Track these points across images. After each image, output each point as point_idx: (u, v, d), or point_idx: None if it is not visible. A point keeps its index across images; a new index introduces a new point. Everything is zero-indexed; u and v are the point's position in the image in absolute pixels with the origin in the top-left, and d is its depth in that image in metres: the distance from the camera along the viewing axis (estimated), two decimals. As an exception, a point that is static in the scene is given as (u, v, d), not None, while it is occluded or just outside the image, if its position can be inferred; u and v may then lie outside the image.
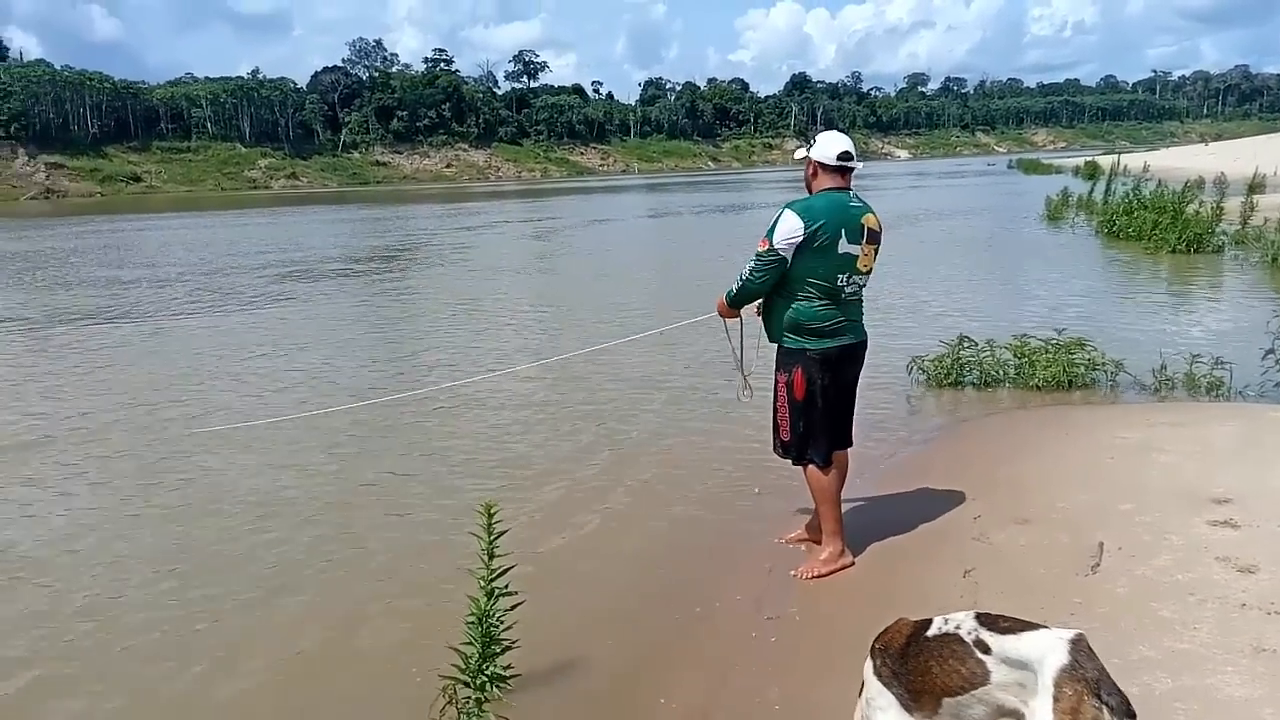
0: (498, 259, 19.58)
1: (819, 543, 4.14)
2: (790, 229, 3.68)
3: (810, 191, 3.91)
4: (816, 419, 3.91)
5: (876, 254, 3.86)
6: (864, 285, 3.88)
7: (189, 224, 36.20)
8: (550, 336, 10.35)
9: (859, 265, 3.80)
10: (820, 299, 3.78)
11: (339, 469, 5.85)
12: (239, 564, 4.43)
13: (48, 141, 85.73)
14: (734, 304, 4.04)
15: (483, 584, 2.97)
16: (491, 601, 2.97)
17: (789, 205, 3.76)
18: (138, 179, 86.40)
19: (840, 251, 3.72)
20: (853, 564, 4.03)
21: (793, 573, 4.03)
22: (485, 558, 2.95)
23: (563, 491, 5.25)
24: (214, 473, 5.80)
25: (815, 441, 3.95)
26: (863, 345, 3.99)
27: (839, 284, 3.77)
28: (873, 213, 3.85)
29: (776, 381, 3.97)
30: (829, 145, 3.85)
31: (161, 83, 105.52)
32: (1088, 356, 7.17)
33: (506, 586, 2.96)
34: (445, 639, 2.99)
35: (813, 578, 3.96)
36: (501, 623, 2.87)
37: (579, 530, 4.68)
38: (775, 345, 4.00)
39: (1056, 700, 1.90)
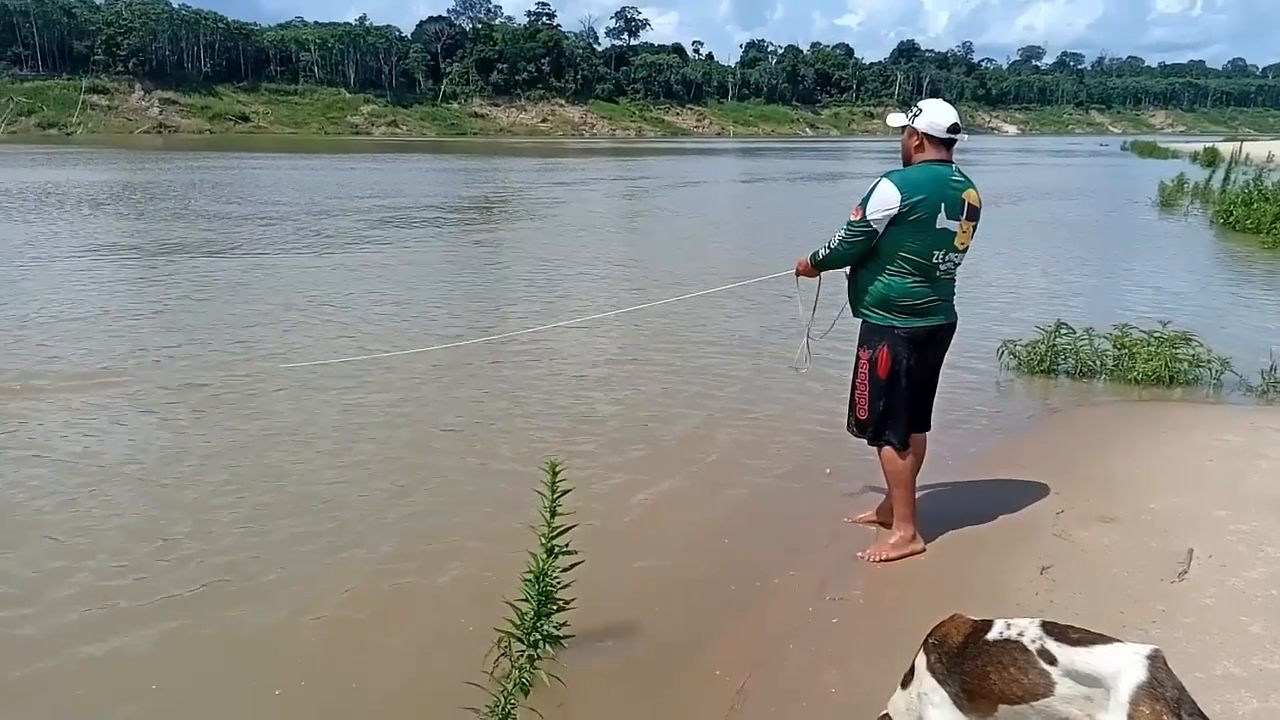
0: (589, 216, 19.54)
1: (889, 526, 4.03)
2: (885, 200, 3.53)
3: (907, 160, 3.74)
4: (898, 399, 3.78)
5: (974, 231, 3.70)
6: (959, 263, 3.72)
7: (297, 165, 37.15)
8: (634, 292, 10.31)
9: (956, 242, 3.64)
10: (913, 275, 3.64)
11: (419, 411, 5.95)
12: (314, 503, 4.52)
13: (162, 78, 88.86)
14: (818, 267, 3.91)
15: (543, 541, 2.97)
16: (550, 560, 2.97)
17: (887, 175, 3.61)
18: (246, 119, 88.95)
19: (938, 227, 3.57)
20: (923, 551, 3.90)
21: (859, 554, 3.93)
22: (547, 515, 2.95)
23: (634, 453, 5.23)
24: (302, 409, 5.94)
25: (894, 422, 3.82)
26: (952, 327, 3.84)
27: (934, 260, 3.63)
28: (974, 188, 3.69)
29: (858, 357, 3.83)
30: (939, 115, 3.67)
31: (272, 25, 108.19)
32: (1192, 352, 6.79)
33: (567, 545, 2.96)
34: (505, 592, 3.00)
35: (880, 561, 3.86)
36: (559, 582, 2.87)
37: (644, 494, 4.64)
38: (858, 320, 3.86)
39: (1132, 718, 1.79)
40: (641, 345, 7.76)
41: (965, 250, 3.71)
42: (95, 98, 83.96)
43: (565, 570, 2.97)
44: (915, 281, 3.64)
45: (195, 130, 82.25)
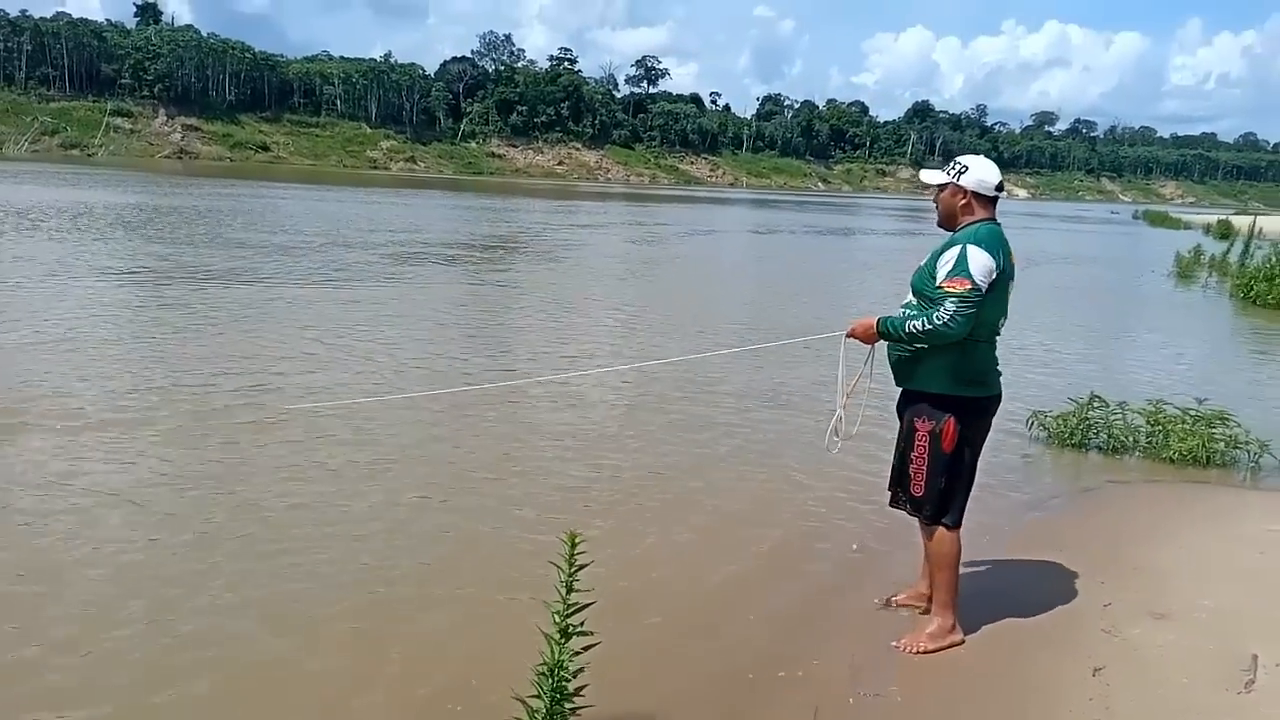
0: (605, 261, 19.42)
1: (926, 611, 3.74)
2: (986, 264, 3.28)
3: (955, 221, 3.49)
4: (962, 475, 3.54)
5: None
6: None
7: (317, 196, 37.34)
8: (651, 341, 10.10)
9: (1009, 306, 3.48)
10: (984, 342, 3.45)
11: (426, 460, 5.68)
12: (319, 554, 4.25)
13: (186, 104, 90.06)
14: (890, 337, 3.47)
15: (557, 619, 2.70)
16: (564, 642, 2.70)
17: (968, 241, 3.33)
18: (266, 148, 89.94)
19: (1007, 291, 3.43)
20: (962, 643, 3.61)
21: (894, 644, 3.63)
22: (563, 591, 2.69)
23: (648, 518, 4.92)
24: (300, 453, 5.68)
25: (955, 500, 3.56)
26: (1000, 397, 3.62)
27: (999, 327, 3.47)
28: (1011, 248, 3.52)
29: (913, 429, 3.53)
30: (987, 173, 3.47)
31: (298, 57, 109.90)
32: (1229, 432, 6.53)
33: (582, 624, 2.70)
34: (507, 661, 2.72)
35: (918, 652, 3.56)
36: (572, 675, 2.59)
37: (659, 567, 4.33)
38: (913, 390, 3.56)
39: None
40: (660, 399, 7.49)
41: None
42: (119, 120, 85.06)
43: (579, 653, 2.71)
44: (985, 349, 3.46)
45: (215, 157, 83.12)
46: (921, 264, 3.55)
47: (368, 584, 3.98)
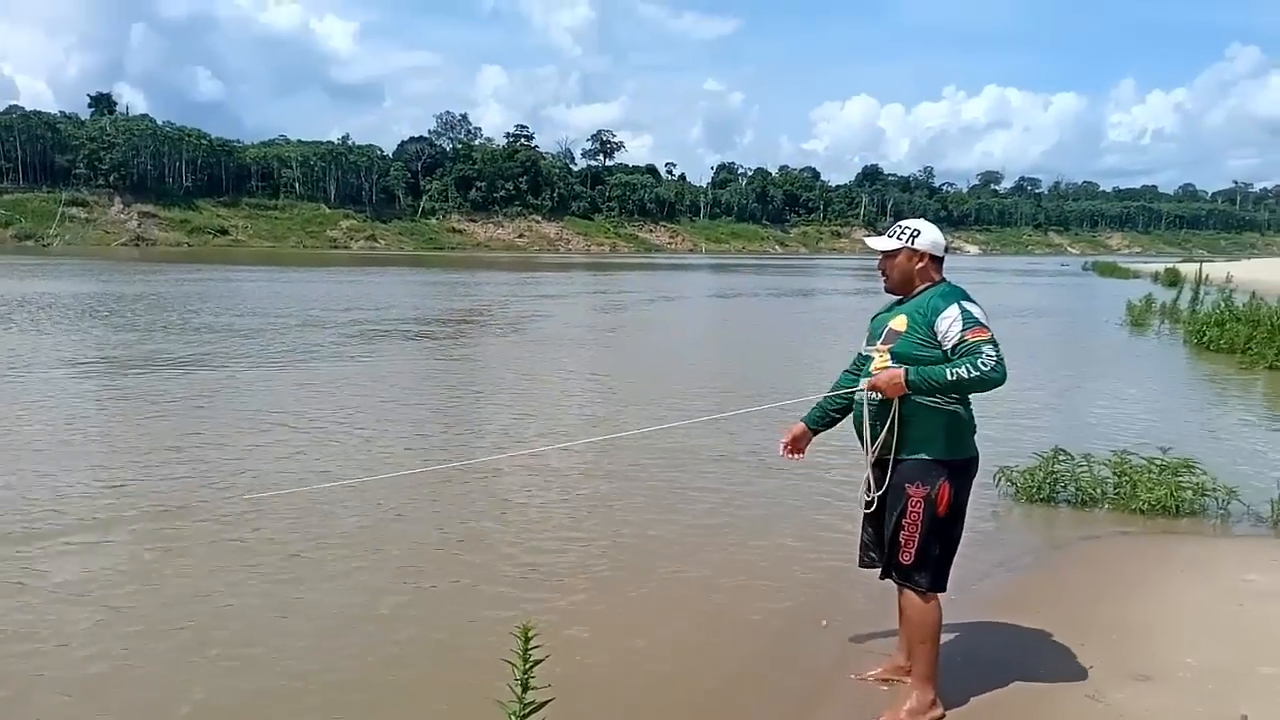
0: (568, 330, 19.34)
1: (905, 681, 3.57)
2: (986, 319, 3.30)
3: (911, 285, 3.48)
4: (954, 540, 3.46)
5: None
6: None
7: (281, 277, 37.10)
8: (615, 412, 9.97)
9: None
10: (966, 403, 3.42)
11: (383, 546, 5.46)
12: (266, 662, 4.02)
13: (143, 191, 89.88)
14: (935, 390, 3.29)
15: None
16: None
17: (958, 298, 3.34)
18: (225, 232, 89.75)
19: None
20: (943, 717, 3.45)
21: (877, 721, 3.48)
22: (518, 690, 2.52)
23: (607, 603, 4.70)
24: (252, 541, 5.44)
25: (948, 565, 3.46)
26: None
27: None
28: None
29: (907, 495, 3.38)
30: (936, 235, 3.52)
31: (255, 143, 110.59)
32: (1196, 480, 6.50)
33: (543, 722, 2.53)
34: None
35: (898, 730, 3.41)
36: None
37: (618, 654, 4.11)
38: (904, 457, 3.42)
39: None
40: (623, 472, 7.32)
41: None
42: (74, 210, 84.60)
43: (538, 755, 2.52)
44: (968, 408, 3.44)
45: (173, 243, 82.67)
46: (871, 331, 3.54)
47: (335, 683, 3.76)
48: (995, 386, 3.24)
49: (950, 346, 3.27)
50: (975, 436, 3.50)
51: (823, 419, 3.78)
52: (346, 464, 7.41)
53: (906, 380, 3.31)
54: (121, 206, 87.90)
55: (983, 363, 3.19)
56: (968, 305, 3.30)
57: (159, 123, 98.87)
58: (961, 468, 3.40)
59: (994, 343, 3.23)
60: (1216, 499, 6.43)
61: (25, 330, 16.20)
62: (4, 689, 3.66)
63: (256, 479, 6.86)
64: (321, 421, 8.97)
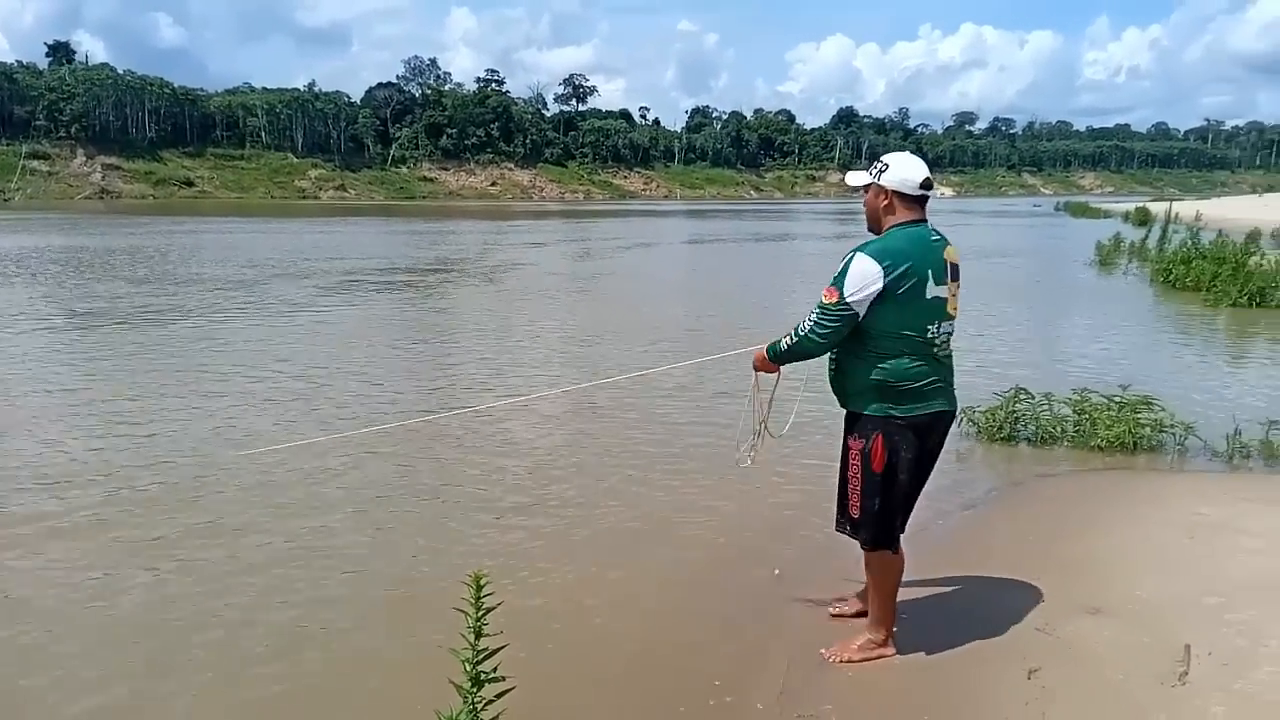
0: (541, 279, 19.18)
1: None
2: (864, 276, 3.10)
3: (879, 223, 3.32)
4: (895, 496, 3.35)
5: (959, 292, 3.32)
6: (952, 333, 3.32)
7: (247, 228, 36.50)
8: (586, 362, 9.96)
9: (948, 309, 3.25)
10: (910, 355, 3.19)
11: (345, 502, 5.47)
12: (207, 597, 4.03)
13: (106, 143, 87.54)
14: (779, 359, 3.46)
15: (468, 668, 2.55)
16: (477, 690, 2.55)
17: (861, 249, 3.18)
18: (190, 184, 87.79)
19: (929, 296, 3.17)
20: (894, 654, 3.51)
21: (823, 651, 3.54)
22: (471, 637, 2.53)
23: (565, 549, 4.73)
24: (254, 498, 5.44)
25: (892, 522, 3.40)
26: (953, 415, 3.41)
27: (929, 335, 3.21)
28: (952, 245, 3.32)
29: (847, 448, 3.39)
30: (909, 170, 3.27)
31: (220, 91, 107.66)
32: (1154, 417, 6.61)
33: (495, 670, 2.55)
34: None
35: (844, 661, 3.47)
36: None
37: (580, 597, 4.16)
38: (850, 410, 3.42)
39: None
40: (586, 421, 7.35)
41: (955, 317, 3.31)
42: (35, 163, 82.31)
43: (494, 700, 2.55)
44: (913, 362, 3.20)
45: (138, 196, 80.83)
46: None
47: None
48: (813, 356, 3.26)
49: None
50: (947, 391, 3.34)
51: None
52: (337, 413, 7.38)
53: (768, 355, 3.46)
54: (84, 159, 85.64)
55: (801, 328, 3.24)
56: (858, 260, 3.14)
57: (120, 72, 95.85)
58: (905, 424, 3.25)
59: (824, 309, 3.15)
60: (1174, 435, 6.55)
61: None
62: None
63: (238, 436, 6.81)
64: (299, 377, 8.91)
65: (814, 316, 3.20)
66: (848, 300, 3.12)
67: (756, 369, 3.65)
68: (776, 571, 4.43)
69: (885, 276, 3.10)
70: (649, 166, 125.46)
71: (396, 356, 10.33)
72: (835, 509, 3.56)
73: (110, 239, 29.25)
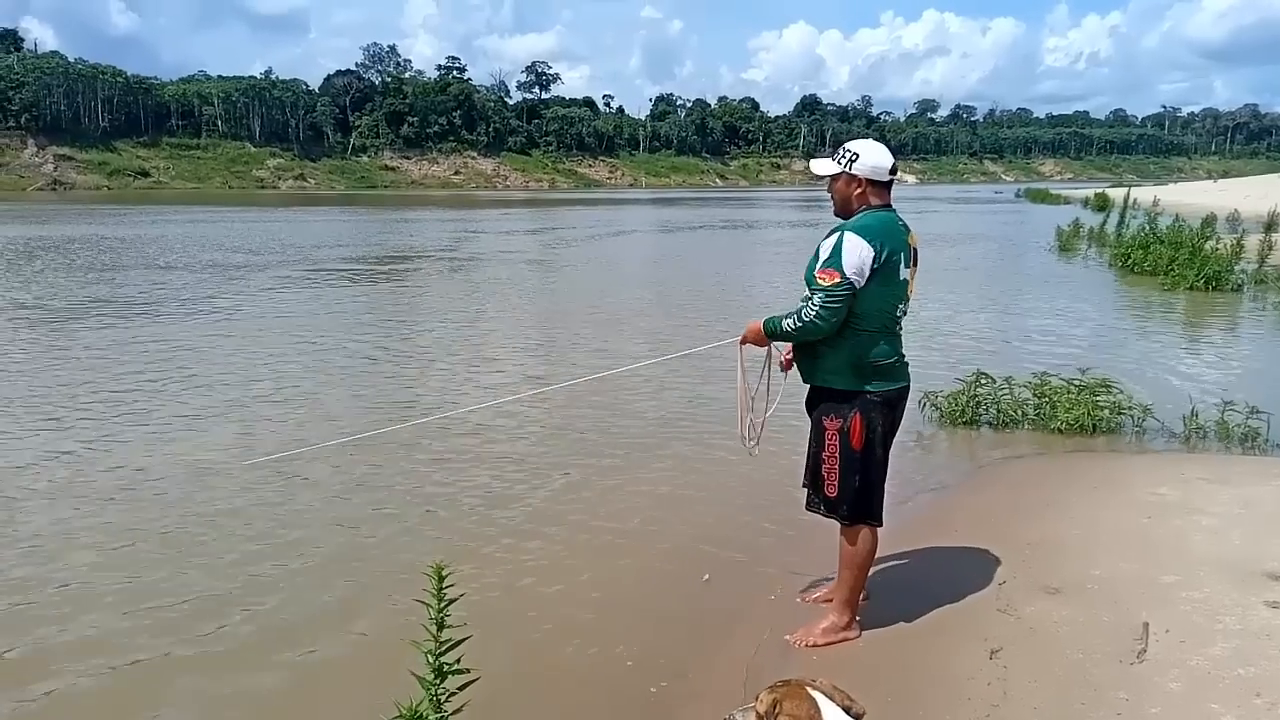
0: (506, 270, 19.03)
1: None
2: (859, 254, 3.18)
3: (847, 209, 3.39)
4: (874, 471, 3.42)
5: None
6: (906, 314, 3.45)
7: (203, 218, 35.88)
8: (552, 358, 9.92)
9: (909, 291, 3.40)
10: (883, 334, 3.32)
11: (308, 512, 5.39)
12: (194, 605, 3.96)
13: (57, 133, 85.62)
14: (776, 338, 3.49)
15: (430, 659, 2.52)
16: (440, 682, 2.52)
17: (847, 228, 3.26)
18: (145, 174, 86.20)
19: (900, 278, 3.31)
20: (859, 637, 3.54)
21: (788, 637, 3.56)
22: (433, 629, 2.50)
23: (526, 545, 4.66)
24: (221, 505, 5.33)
25: (872, 498, 3.45)
26: (909, 389, 3.52)
27: (896, 315, 3.37)
28: (913, 230, 3.44)
29: (822, 428, 3.42)
30: (879, 157, 3.36)
31: (174, 79, 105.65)
32: (1113, 399, 6.71)
33: (458, 661, 2.52)
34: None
35: (808, 646, 3.49)
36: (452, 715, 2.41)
37: (546, 587, 4.14)
38: (819, 388, 3.47)
39: None
40: (551, 420, 7.21)
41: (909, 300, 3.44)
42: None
43: (455, 694, 2.53)
44: (885, 341, 3.33)
45: (92, 186, 79.17)
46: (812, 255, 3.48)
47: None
48: (822, 335, 3.28)
49: (808, 278, 3.30)
50: (907, 368, 3.47)
51: None
52: (309, 424, 7.25)
53: (764, 329, 3.44)
54: (35, 149, 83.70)
55: (806, 312, 3.25)
56: (849, 239, 3.21)
57: (70, 60, 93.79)
58: (879, 400, 3.35)
59: (829, 291, 3.18)
60: (1133, 417, 6.66)
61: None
62: None
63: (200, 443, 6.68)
64: (279, 384, 8.76)
65: (818, 299, 3.22)
66: (850, 278, 3.19)
67: (749, 342, 3.62)
68: (706, 577, 4.25)
69: (875, 255, 3.20)
70: (614, 155, 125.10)
71: (367, 360, 10.21)
72: (806, 490, 3.58)
73: (78, 229, 28.59)
